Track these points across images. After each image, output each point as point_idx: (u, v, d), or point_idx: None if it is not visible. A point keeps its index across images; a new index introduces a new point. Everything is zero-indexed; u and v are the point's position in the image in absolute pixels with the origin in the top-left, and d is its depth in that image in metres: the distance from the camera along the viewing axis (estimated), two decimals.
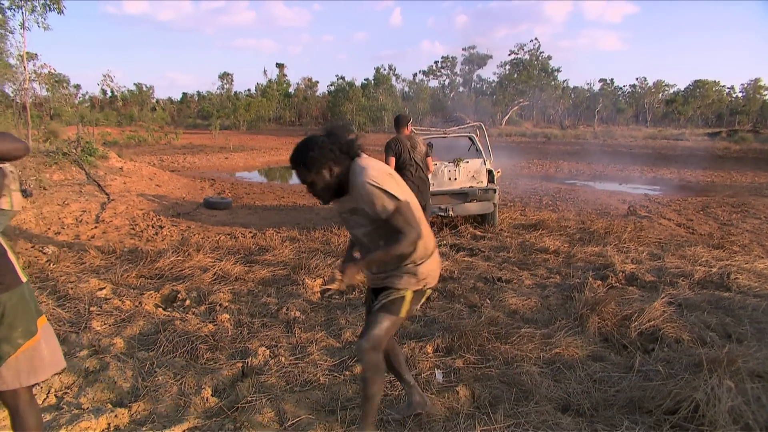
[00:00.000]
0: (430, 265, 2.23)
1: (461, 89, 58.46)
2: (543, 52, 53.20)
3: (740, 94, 63.84)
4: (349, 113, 42.84)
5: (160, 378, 2.90)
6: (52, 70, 28.91)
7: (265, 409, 2.59)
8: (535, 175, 16.43)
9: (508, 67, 53.76)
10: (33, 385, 1.84)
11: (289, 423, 2.50)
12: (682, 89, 63.20)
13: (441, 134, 8.27)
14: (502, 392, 2.82)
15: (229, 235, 7.14)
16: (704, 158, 21.64)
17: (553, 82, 54.75)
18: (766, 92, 60.94)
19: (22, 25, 15.73)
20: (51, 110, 30.35)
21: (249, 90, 59.60)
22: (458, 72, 58.03)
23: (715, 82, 61.40)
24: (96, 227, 7.24)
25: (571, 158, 22.37)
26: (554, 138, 35.74)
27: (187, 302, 4.22)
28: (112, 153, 12.43)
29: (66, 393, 2.79)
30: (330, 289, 2.24)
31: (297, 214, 9.07)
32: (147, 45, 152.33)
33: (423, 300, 2.32)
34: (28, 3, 15.06)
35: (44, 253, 5.70)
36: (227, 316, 3.87)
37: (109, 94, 55.65)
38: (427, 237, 2.21)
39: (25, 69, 17.76)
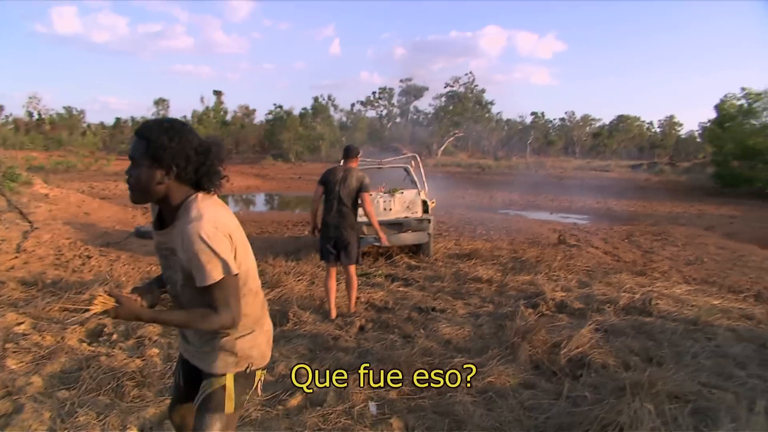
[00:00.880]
0: (252, 340, 1.75)
1: (398, 120, 59.38)
2: (477, 85, 54.86)
3: (658, 129, 69.35)
4: (286, 142, 42.55)
5: (81, 419, 2.71)
6: None
7: None
8: (469, 205, 16.84)
9: (443, 99, 55.18)
10: None
11: None
12: (608, 123, 67.96)
13: (376, 165, 8.31)
14: (435, 423, 2.82)
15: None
16: (628, 189, 23.11)
17: (487, 114, 56.72)
18: (679, 128, 66.83)
19: None
20: None
21: (185, 116, 57.85)
22: (395, 103, 58.76)
23: (636, 117, 66.87)
24: (16, 257, 6.77)
25: (505, 188, 23.16)
26: (488, 168, 37.09)
27: (114, 336, 4.00)
28: (38, 179, 11.78)
29: None
30: (88, 310, 1.48)
31: None
32: (79, 67, 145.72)
33: (256, 386, 1.80)
34: None
35: None
36: (156, 351, 3.71)
37: (36, 116, 52.62)
38: (252, 310, 1.75)
39: None
